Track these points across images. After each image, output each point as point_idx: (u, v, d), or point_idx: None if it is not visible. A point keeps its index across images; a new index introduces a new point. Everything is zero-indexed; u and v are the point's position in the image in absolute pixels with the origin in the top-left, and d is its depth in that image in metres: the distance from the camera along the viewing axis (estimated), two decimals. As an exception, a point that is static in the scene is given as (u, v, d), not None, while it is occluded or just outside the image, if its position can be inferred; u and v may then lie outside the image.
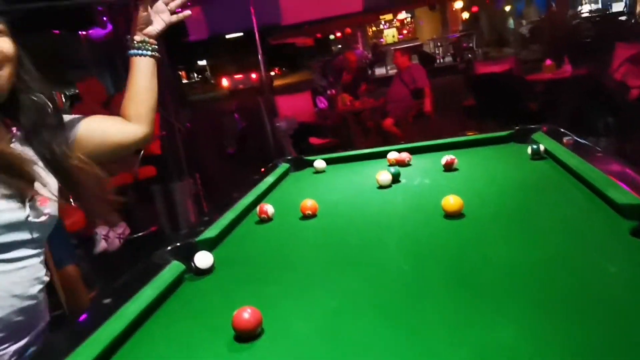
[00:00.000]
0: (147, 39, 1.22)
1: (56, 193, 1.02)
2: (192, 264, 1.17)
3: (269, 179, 1.91)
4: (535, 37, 10.30)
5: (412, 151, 1.98)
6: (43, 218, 0.97)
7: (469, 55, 12.37)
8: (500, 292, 0.90)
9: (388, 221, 1.37)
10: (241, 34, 8.10)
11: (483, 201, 1.39)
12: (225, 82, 16.40)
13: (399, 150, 1.98)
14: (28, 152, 1.01)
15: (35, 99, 1.02)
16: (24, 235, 0.95)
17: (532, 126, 1.92)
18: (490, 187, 1.52)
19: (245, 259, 1.28)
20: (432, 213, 1.32)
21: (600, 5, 13.94)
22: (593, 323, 0.76)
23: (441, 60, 14.55)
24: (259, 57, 4.73)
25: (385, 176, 1.67)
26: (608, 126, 4.03)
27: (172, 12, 1.24)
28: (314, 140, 5.11)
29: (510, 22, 14.11)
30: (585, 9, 13.63)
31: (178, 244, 1.28)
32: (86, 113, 1.21)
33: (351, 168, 2.07)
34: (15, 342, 0.95)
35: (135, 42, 1.21)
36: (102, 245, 3.26)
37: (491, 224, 1.24)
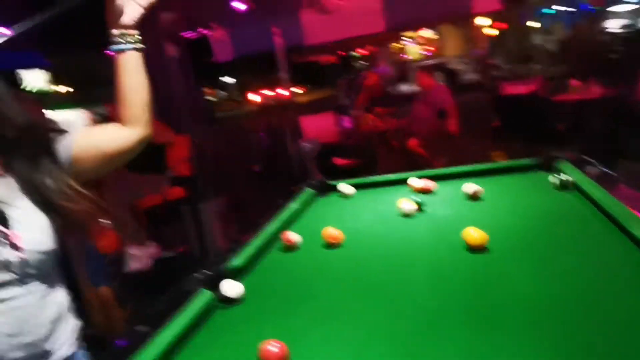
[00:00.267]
0: (125, 31, 1.11)
1: (43, 228, 0.97)
2: (221, 293, 1.22)
3: (294, 205, 1.95)
4: (562, 54, 10.17)
5: (437, 178, 2.00)
6: (21, 255, 0.92)
7: (495, 73, 12.28)
8: (522, 330, 0.91)
9: (411, 252, 1.39)
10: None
11: (507, 233, 1.40)
12: (251, 98, 16.70)
13: (423, 177, 2.00)
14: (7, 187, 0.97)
15: (22, 136, 0.98)
16: (5, 276, 0.91)
17: (557, 155, 1.92)
18: (514, 218, 1.53)
19: (272, 288, 1.32)
20: (455, 245, 1.34)
21: (630, 21, 13.67)
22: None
23: (466, 78, 14.49)
24: (283, 76, 4.82)
25: (408, 205, 1.69)
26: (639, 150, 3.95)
27: None
28: (337, 160, 5.15)
29: (537, 39, 13.97)
30: (614, 24, 13.38)
31: (207, 272, 1.33)
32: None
33: (375, 194, 2.09)
34: None
35: (114, 37, 1.11)
36: (133, 264, 3.36)
37: (514, 258, 1.25)
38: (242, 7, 5.60)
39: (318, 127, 5.97)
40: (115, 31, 1.11)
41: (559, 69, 9.14)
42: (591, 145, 1.91)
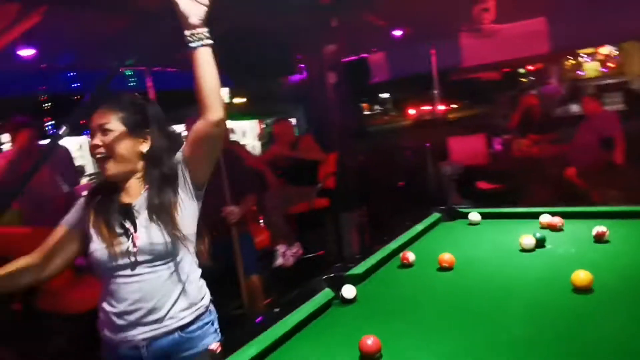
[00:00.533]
0: (194, 30, 1.30)
1: (152, 233, 1.40)
2: (340, 294, 1.48)
3: (419, 227, 2.13)
4: None
5: (567, 216, 1.99)
6: (134, 249, 1.38)
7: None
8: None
9: (516, 285, 1.47)
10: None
11: (625, 280, 1.39)
12: (406, 112, 16.92)
13: (553, 214, 2.00)
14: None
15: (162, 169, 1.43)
16: (126, 260, 1.39)
17: None
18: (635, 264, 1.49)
19: (381, 296, 1.53)
20: (562, 284, 1.38)
21: None
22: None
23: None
24: (437, 93, 4.90)
25: (528, 240, 1.75)
26: None
27: None
28: (482, 184, 5.06)
29: None
30: None
31: (332, 275, 1.61)
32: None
33: (501, 225, 2.15)
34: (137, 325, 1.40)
35: (186, 37, 1.31)
36: (279, 260, 3.88)
37: (619, 302, 1.25)
38: (399, 33, 5.90)
39: (466, 148, 5.90)
40: (186, 32, 1.30)
41: None
42: None
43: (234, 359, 1.16)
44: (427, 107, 8.88)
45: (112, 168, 1.41)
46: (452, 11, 5.53)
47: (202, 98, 1.34)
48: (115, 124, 1.40)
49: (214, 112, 1.34)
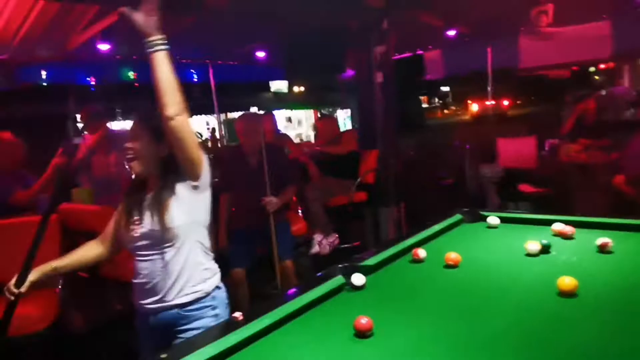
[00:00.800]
0: (150, 38, 1.47)
1: (155, 223, 1.67)
2: (350, 281, 1.70)
3: (438, 226, 2.30)
4: None
5: (580, 225, 2.08)
6: (137, 234, 1.70)
7: None
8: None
9: (512, 288, 1.61)
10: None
11: (613, 288, 1.49)
12: (469, 107, 16.58)
13: (567, 222, 2.10)
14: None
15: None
16: (137, 243, 1.71)
17: None
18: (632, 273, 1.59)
19: (387, 286, 1.74)
20: (553, 290, 1.50)
21: None
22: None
23: None
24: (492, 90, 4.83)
25: (533, 246, 1.88)
26: None
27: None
28: (524, 187, 5.03)
29: None
30: None
31: (346, 264, 1.83)
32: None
33: (517, 230, 2.26)
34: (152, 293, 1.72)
35: (145, 44, 1.47)
36: (315, 248, 4.14)
37: (608, 312, 1.36)
38: (452, 32, 5.94)
39: (515, 150, 5.85)
40: (144, 40, 1.48)
41: None
42: None
43: (249, 327, 1.40)
44: (488, 102, 8.73)
45: (137, 167, 1.72)
46: (509, 12, 5.48)
47: (159, 96, 1.51)
48: (142, 132, 1.70)
49: (169, 108, 1.51)
